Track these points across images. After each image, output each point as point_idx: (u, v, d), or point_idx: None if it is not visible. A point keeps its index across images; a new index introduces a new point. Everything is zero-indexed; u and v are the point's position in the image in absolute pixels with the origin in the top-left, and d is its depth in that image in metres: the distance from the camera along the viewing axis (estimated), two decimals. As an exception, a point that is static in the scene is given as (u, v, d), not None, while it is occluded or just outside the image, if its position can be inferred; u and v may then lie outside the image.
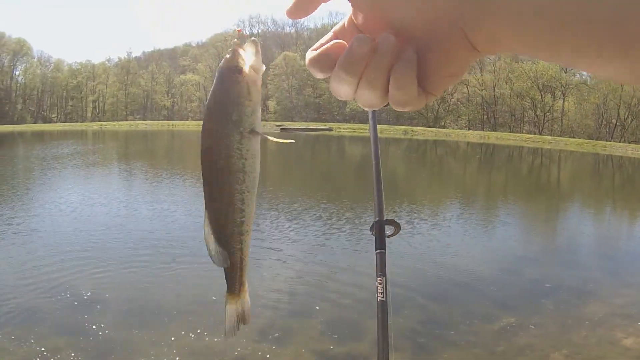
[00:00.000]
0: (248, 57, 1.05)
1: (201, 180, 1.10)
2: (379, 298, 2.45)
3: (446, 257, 12.16)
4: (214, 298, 8.67)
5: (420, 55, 0.81)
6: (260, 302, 8.74)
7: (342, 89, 0.86)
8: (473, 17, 0.76)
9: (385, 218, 2.63)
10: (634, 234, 18.28)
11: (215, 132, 1.05)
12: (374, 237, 2.63)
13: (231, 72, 1.03)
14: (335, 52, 0.86)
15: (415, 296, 9.45)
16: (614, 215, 22.42)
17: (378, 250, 2.56)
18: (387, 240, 2.62)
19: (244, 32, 1.12)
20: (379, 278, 2.49)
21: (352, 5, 0.86)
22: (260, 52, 1.07)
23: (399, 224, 2.59)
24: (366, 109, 0.91)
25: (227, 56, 1.04)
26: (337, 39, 0.90)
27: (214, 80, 1.03)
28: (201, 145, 1.07)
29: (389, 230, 2.61)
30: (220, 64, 1.04)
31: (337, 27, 0.92)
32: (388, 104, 0.88)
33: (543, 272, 11.61)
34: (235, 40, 1.07)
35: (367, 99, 0.85)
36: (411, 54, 0.80)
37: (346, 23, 0.91)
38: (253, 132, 1.05)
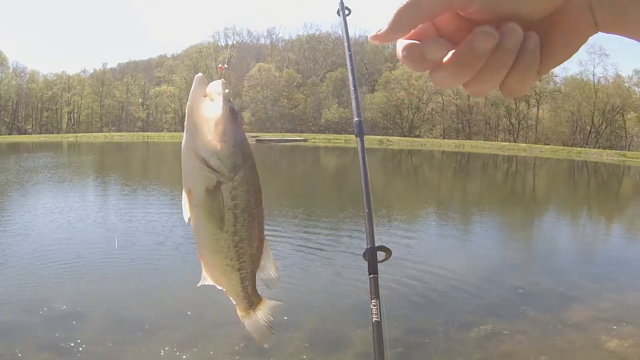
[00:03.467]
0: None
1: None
2: (374, 319, 2.54)
3: (425, 267, 12.10)
4: (189, 313, 8.60)
5: (541, 40, 0.76)
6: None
7: (451, 82, 0.79)
8: None
9: (376, 245, 2.74)
10: (611, 239, 18.39)
11: None
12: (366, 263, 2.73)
13: None
14: (429, 47, 0.77)
15: (398, 307, 9.41)
16: (591, 220, 22.61)
17: (371, 275, 2.67)
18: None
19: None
20: (373, 300, 2.59)
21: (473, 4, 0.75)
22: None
23: (389, 250, 2.71)
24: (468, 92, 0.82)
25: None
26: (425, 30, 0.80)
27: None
28: None
29: (380, 256, 2.72)
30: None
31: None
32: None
33: (523, 279, 11.64)
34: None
35: (478, 91, 0.79)
36: (536, 43, 0.74)
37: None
38: None
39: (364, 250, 2.72)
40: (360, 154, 2.98)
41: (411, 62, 0.78)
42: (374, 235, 2.76)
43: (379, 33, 0.78)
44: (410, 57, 0.78)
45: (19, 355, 7.19)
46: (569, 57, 0.79)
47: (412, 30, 0.79)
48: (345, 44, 3.17)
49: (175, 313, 8.81)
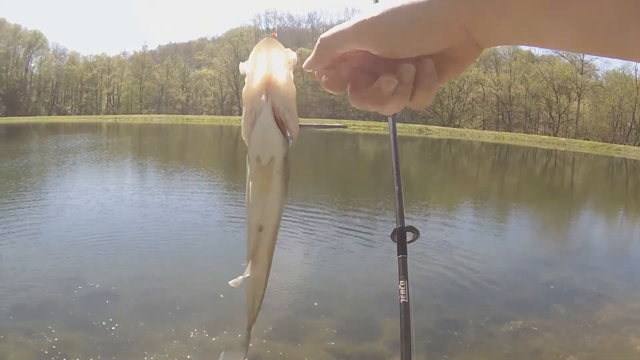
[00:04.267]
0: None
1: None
2: (402, 300, 2.49)
3: (458, 257, 12.04)
4: (221, 296, 8.65)
5: (436, 62, 0.91)
6: (277, 300, 8.70)
7: (366, 109, 0.97)
8: (471, 20, 0.82)
9: (405, 225, 2.68)
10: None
11: None
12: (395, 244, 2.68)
13: None
14: (345, 76, 0.97)
15: (428, 298, 9.39)
16: (628, 219, 22.28)
17: (400, 256, 2.63)
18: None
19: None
20: (402, 281, 2.55)
21: (374, 49, 0.91)
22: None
23: (418, 231, 2.64)
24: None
25: None
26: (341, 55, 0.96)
27: None
28: None
29: (408, 236, 2.66)
30: None
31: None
32: None
33: (555, 275, 11.52)
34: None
35: (390, 111, 0.95)
36: (431, 67, 0.89)
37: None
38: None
39: (391, 231, 2.66)
40: (391, 133, 2.95)
41: (329, 84, 0.98)
42: (404, 215, 2.71)
43: (308, 63, 0.99)
44: (329, 80, 0.97)
45: (53, 331, 7.31)
46: (462, 71, 0.95)
47: (331, 61, 0.96)
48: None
49: (208, 295, 8.87)
